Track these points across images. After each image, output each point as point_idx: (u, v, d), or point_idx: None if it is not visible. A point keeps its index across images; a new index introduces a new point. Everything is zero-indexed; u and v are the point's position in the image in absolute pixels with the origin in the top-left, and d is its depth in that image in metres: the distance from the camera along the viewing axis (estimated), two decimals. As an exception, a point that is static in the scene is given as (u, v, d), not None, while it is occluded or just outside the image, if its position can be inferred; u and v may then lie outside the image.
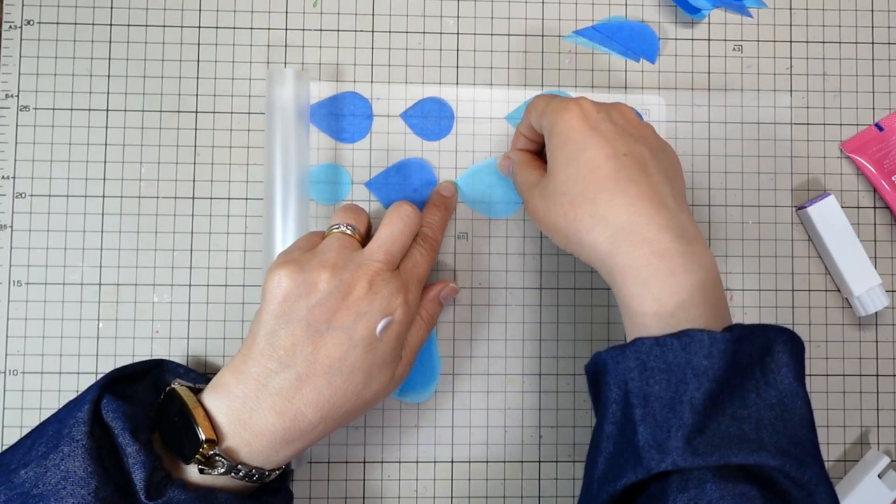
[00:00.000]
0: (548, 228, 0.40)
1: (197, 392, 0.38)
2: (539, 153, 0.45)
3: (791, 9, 0.49)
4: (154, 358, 0.43)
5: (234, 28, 0.47)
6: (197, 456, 0.36)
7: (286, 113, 0.44)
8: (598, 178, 0.37)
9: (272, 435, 0.37)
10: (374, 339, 0.38)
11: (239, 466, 0.37)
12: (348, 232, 0.41)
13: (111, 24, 0.47)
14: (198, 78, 0.47)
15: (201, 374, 0.43)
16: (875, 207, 0.49)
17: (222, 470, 0.36)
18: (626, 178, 0.37)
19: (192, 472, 0.37)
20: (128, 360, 0.45)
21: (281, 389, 0.37)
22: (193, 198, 0.46)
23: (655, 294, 0.35)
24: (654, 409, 0.33)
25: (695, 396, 0.33)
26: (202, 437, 0.36)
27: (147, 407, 0.39)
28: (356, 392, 0.38)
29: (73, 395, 0.45)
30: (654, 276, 0.35)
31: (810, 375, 0.47)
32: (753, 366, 0.34)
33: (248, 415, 0.37)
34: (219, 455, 0.36)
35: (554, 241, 0.40)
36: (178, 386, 0.38)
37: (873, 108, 0.49)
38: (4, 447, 0.45)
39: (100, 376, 0.45)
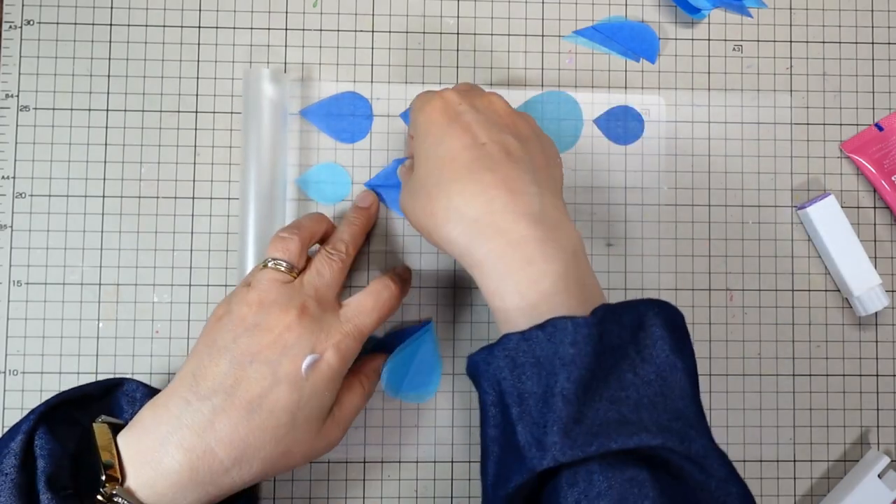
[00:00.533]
0: (414, 225, 0.39)
1: (119, 430, 0.36)
2: None
3: (791, 9, 0.49)
4: (115, 377, 0.41)
5: (234, 28, 0.47)
6: (98, 497, 0.33)
7: (261, 113, 0.44)
8: (453, 168, 0.36)
9: (178, 474, 0.34)
10: (299, 377, 0.36)
11: None
12: (281, 268, 0.39)
13: (111, 24, 0.47)
14: (198, 78, 0.47)
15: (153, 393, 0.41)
16: (875, 207, 0.49)
17: None
18: (481, 166, 0.35)
19: None
20: (128, 361, 0.46)
21: (193, 423, 0.35)
22: (193, 198, 0.46)
23: (516, 287, 0.34)
24: (528, 405, 0.32)
25: (566, 387, 0.31)
26: (104, 476, 0.34)
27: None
28: (276, 436, 0.36)
29: (73, 395, 0.45)
30: (512, 267, 0.34)
31: (811, 375, 0.47)
32: (626, 345, 0.33)
33: (155, 451, 0.34)
34: (118, 496, 0.34)
35: (424, 237, 0.39)
36: (98, 424, 0.36)
37: (873, 108, 0.49)
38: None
39: (101, 377, 0.45)
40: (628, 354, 0.33)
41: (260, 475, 0.36)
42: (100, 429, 0.36)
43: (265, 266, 0.39)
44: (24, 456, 0.34)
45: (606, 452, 0.31)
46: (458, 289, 0.47)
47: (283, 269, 0.39)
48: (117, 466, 0.34)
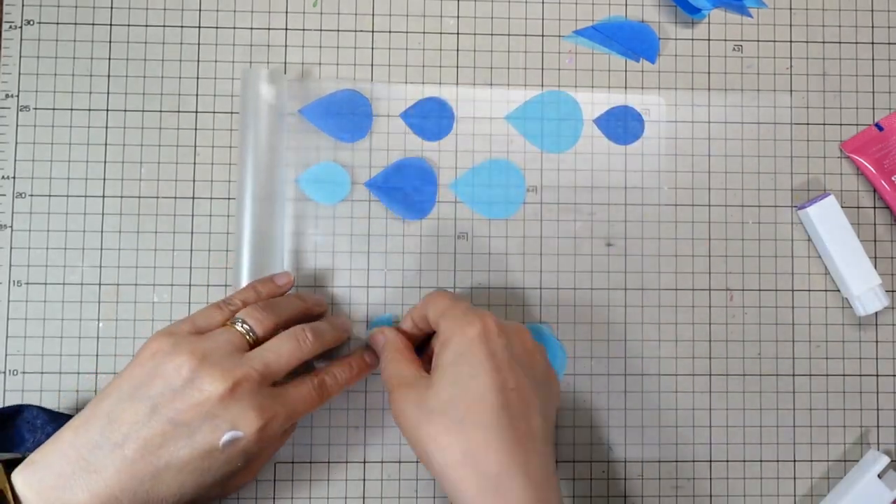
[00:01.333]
0: (410, 437, 0.38)
1: (15, 464, 0.35)
2: (416, 343, 0.44)
3: (791, 9, 0.49)
4: (14, 405, 0.40)
5: (235, 28, 0.47)
6: None
7: (258, 114, 0.44)
8: (480, 409, 0.36)
9: None
10: (215, 449, 0.35)
11: None
12: (242, 331, 0.38)
13: (111, 24, 0.47)
14: (198, 78, 0.47)
15: (67, 418, 0.39)
16: (875, 207, 0.49)
17: None
18: (507, 416, 0.36)
19: None
20: (128, 361, 0.45)
21: (101, 469, 0.34)
22: (193, 198, 0.46)
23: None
24: None
25: None
26: None
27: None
28: (178, 493, 0.35)
29: (72, 395, 0.45)
30: None
31: (811, 375, 0.47)
32: None
33: (60, 492, 0.34)
34: None
35: (408, 443, 0.39)
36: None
37: (873, 108, 0.49)
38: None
39: (101, 377, 0.45)
40: None
41: None
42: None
43: (232, 324, 0.39)
44: None
45: None
46: (457, 289, 0.47)
47: (248, 338, 0.38)
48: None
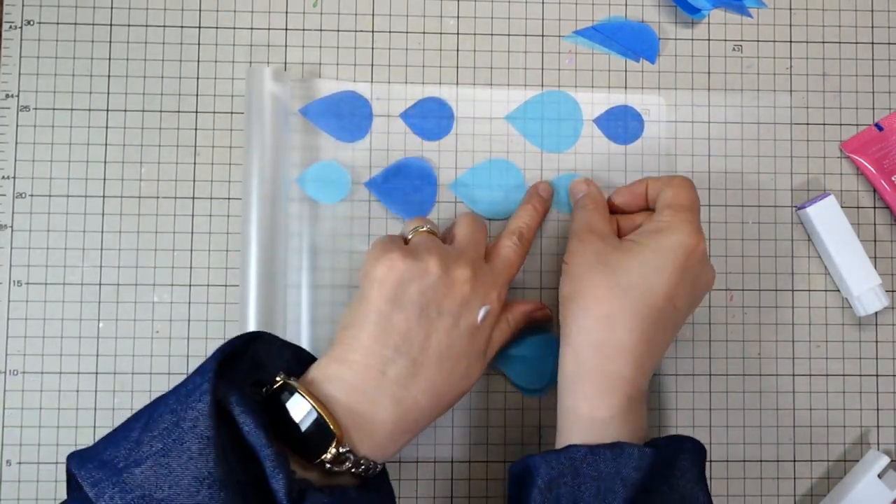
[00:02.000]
0: (574, 287, 0.40)
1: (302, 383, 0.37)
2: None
3: (791, 9, 0.49)
4: (251, 331, 0.39)
5: (235, 28, 0.47)
6: (325, 455, 0.34)
7: (263, 113, 0.44)
8: (655, 310, 0.39)
9: (392, 424, 0.36)
10: (475, 326, 0.39)
11: (361, 461, 0.36)
12: (429, 230, 0.42)
13: (111, 25, 0.47)
14: (198, 78, 0.47)
15: (297, 348, 0.40)
16: (875, 207, 0.49)
17: (349, 465, 0.35)
18: (654, 324, 0.39)
19: (312, 472, 0.35)
20: (128, 360, 0.46)
21: (398, 377, 0.37)
22: (193, 198, 0.46)
23: (609, 403, 0.38)
24: None
25: (621, 502, 0.35)
26: (333, 432, 0.34)
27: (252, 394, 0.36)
28: (458, 380, 0.39)
29: (72, 395, 0.45)
30: (611, 393, 0.38)
31: (811, 375, 0.47)
32: (664, 474, 0.37)
33: (367, 406, 0.36)
34: (346, 451, 0.35)
35: (562, 290, 0.41)
36: (288, 379, 0.36)
37: (873, 108, 0.49)
38: (5, 447, 0.45)
39: (101, 377, 0.45)
40: (666, 480, 0.37)
41: (440, 415, 0.40)
42: (299, 386, 0.35)
43: (416, 233, 0.42)
44: (217, 418, 0.32)
45: None
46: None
47: (432, 230, 0.42)
48: (336, 423, 0.35)
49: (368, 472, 0.36)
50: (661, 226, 0.40)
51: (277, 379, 0.36)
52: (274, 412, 0.35)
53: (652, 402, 0.47)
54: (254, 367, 0.37)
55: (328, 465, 0.35)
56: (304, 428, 0.35)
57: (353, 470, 0.35)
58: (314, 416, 0.34)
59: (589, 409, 0.38)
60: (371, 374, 0.36)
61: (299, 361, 0.39)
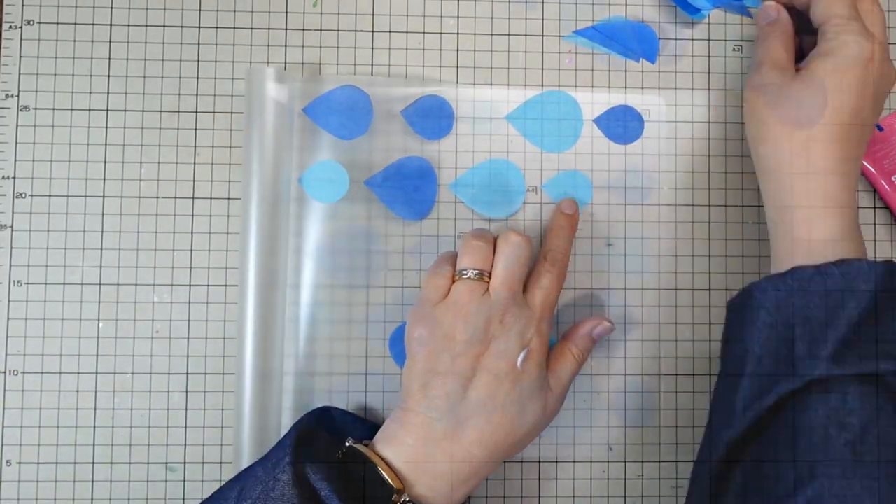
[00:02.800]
0: (759, 127, 0.42)
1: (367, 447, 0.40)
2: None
3: (791, 9, 0.49)
4: (320, 406, 0.44)
5: (234, 28, 0.47)
6: None
7: (264, 113, 0.44)
8: (845, 128, 0.40)
9: (449, 475, 0.39)
10: (516, 371, 0.40)
11: None
12: (474, 277, 0.42)
13: (111, 24, 0.47)
14: (198, 78, 0.47)
15: (359, 418, 0.45)
16: (875, 207, 0.48)
17: None
18: (857, 139, 0.40)
19: None
20: (128, 360, 0.46)
21: (446, 434, 0.39)
22: (193, 198, 0.46)
23: (825, 225, 0.39)
24: (811, 326, 0.37)
25: (852, 315, 0.37)
26: (392, 485, 0.38)
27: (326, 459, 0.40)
28: (512, 425, 0.40)
29: (72, 395, 0.45)
30: (826, 214, 0.39)
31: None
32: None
33: (423, 460, 0.39)
34: (409, 502, 0.38)
35: (748, 131, 0.43)
36: (355, 443, 0.40)
37: (873, 108, 0.49)
38: (5, 447, 0.45)
39: (101, 377, 0.45)
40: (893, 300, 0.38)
41: (508, 458, 0.42)
42: (362, 447, 0.40)
43: (460, 278, 0.42)
44: (300, 487, 0.37)
45: (865, 374, 0.36)
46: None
47: (476, 277, 0.42)
48: (397, 478, 0.38)
49: None
50: (828, 47, 0.41)
51: (347, 444, 0.40)
52: (346, 475, 0.39)
53: (652, 402, 0.47)
54: (330, 441, 0.41)
55: None
56: (369, 484, 0.38)
57: None
58: (376, 472, 0.38)
59: (807, 231, 0.39)
60: (420, 434, 0.39)
61: (364, 424, 0.44)
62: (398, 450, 0.40)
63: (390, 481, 0.38)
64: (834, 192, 0.39)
